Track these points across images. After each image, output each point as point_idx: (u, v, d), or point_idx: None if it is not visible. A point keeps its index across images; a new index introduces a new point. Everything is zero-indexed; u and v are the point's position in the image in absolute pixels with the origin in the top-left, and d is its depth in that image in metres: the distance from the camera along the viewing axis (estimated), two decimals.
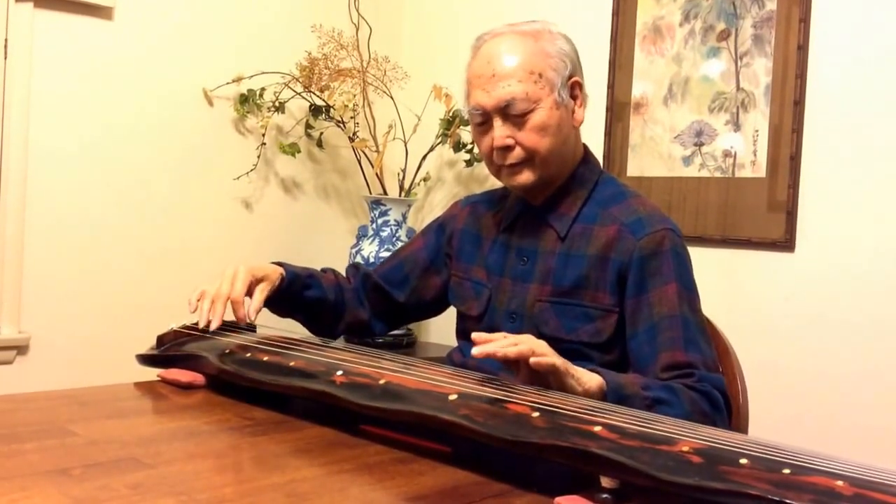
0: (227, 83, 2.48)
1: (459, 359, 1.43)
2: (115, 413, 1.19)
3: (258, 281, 1.41)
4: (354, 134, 2.59)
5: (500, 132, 1.33)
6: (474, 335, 1.12)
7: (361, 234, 2.59)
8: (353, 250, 2.57)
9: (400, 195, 2.65)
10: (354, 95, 2.54)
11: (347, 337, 1.77)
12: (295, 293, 1.48)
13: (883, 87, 1.92)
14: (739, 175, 2.13)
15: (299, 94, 2.55)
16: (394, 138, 2.62)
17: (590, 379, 1.13)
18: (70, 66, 2.23)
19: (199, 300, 1.39)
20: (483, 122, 1.37)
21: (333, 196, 2.81)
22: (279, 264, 1.48)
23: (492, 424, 0.96)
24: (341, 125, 2.58)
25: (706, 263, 2.02)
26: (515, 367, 1.12)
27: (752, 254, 2.11)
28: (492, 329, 1.39)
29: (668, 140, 2.27)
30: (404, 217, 2.58)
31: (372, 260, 2.47)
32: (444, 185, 2.84)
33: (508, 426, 0.95)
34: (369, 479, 0.95)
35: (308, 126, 2.65)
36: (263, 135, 2.53)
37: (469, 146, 2.60)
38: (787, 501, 0.75)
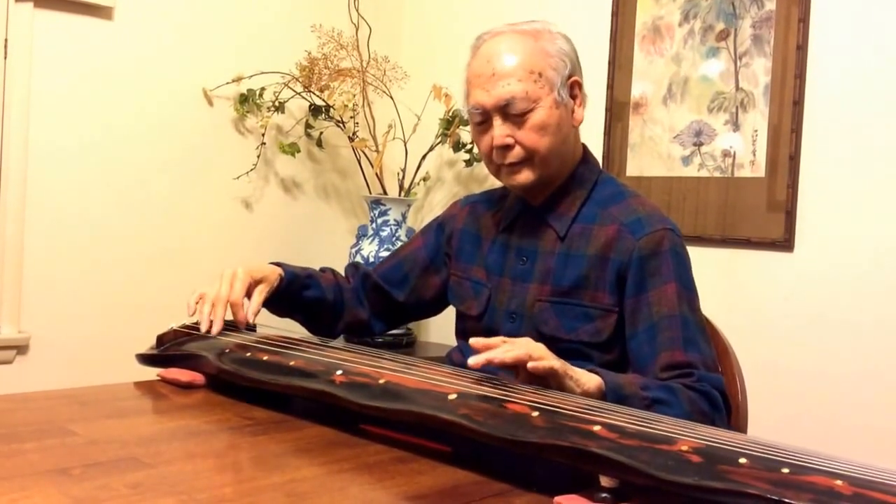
0: (227, 83, 2.48)
1: (459, 358, 1.43)
2: (115, 413, 1.19)
3: (257, 282, 1.41)
4: (354, 134, 2.59)
5: (500, 131, 1.34)
6: (472, 341, 1.12)
7: (361, 234, 2.59)
8: (353, 250, 2.57)
9: (400, 195, 2.65)
10: (354, 95, 2.54)
11: (347, 336, 1.78)
12: (294, 293, 1.48)
13: (882, 87, 1.92)
14: (739, 175, 2.14)
15: (299, 93, 2.55)
16: (393, 138, 2.62)
17: (588, 380, 1.13)
18: (70, 66, 2.23)
19: (197, 303, 1.39)
20: (483, 121, 1.37)
21: (333, 196, 2.82)
22: (277, 265, 1.48)
23: (491, 424, 0.96)
24: (341, 125, 2.58)
25: (706, 263, 2.03)
26: (514, 371, 1.12)
27: (751, 254, 2.11)
28: (491, 329, 1.40)
29: (667, 140, 2.27)
30: (404, 217, 2.58)
31: (372, 259, 2.47)
32: (443, 184, 2.85)
33: (508, 426, 0.95)
34: (369, 479, 0.95)
35: (308, 126, 2.65)
36: (263, 135, 2.53)
37: (468, 146, 2.60)
38: (787, 501, 0.75)
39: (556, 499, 0.86)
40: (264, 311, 1.45)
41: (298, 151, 2.59)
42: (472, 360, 1.08)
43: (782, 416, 1.99)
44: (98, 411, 1.19)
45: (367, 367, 1.17)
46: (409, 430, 1.05)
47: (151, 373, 1.38)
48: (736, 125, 2.14)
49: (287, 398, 1.22)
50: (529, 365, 1.07)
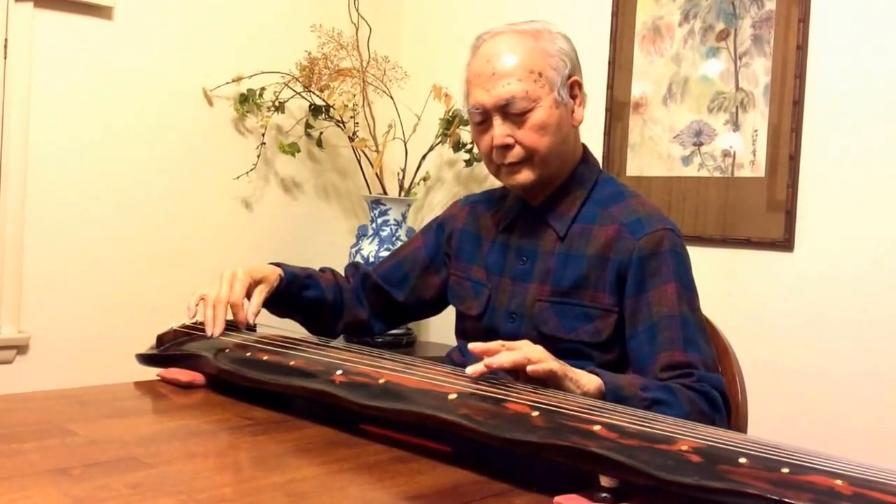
0: (227, 83, 2.48)
1: (459, 358, 1.43)
2: (115, 413, 1.19)
3: (256, 282, 1.41)
4: (354, 134, 2.59)
5: (500, 131, 1.33)
6: (471, 346, 1.12)
7: (361, 234, 2.59)
8: (353, 250, 2.57)
9: (400, 195, 2.65)
10: (354, 95, 2.54)
11: (347, 336, 1.77)
12: (293, 294, 1.48)
13: (882, 86, 1.92)
14: (739, 175, 2.14)
15: (299, 93, 2.55)
16: (393, 138, 2.62)
17: (588, 381, 1.13)
18: (70, 66, 2.23)
19: (198, 305, 1.39)
20: (482, 120, 1.37)
21: (333, 196, 2.82)
22: (277, 265, 1.48)
23: (491, 424, 0.96)
24: (341, 125, 2.58)
25: (705, 263, 2.03)
26: (514, 374, 1.12)
27: (751, 253, 2.11)
28: (491, 329, 1.40)
29: (667, 140, 2.27)
30: (404, 217, 2.58)
31: (372, 259, 2.47)
32: (443, 184, 2.84)
33: (508, 425, 0.95)
34: (369, 479, 0.95)
35: (308, 126, 2.65)
36: (263, 134, 2.53)
37: (468, 146, 2.60)
38: (787, 500, 0.75)
39: (556, 499, 0.86)
40: (264, 311, 1.45)
41: (298, 151, 2.59)
42: (471, 370, 1.08)
43: (782, 416, 1.99)
44: (98, 411, 1.19)
45: (367, 366, 1.17)
46: (409, 430, 1.05)
47: (151, 373, 1.38)
48: (736, 125, 2.14)
49: (287, 398, 1.22)
50: (528, 368, 1.07)
